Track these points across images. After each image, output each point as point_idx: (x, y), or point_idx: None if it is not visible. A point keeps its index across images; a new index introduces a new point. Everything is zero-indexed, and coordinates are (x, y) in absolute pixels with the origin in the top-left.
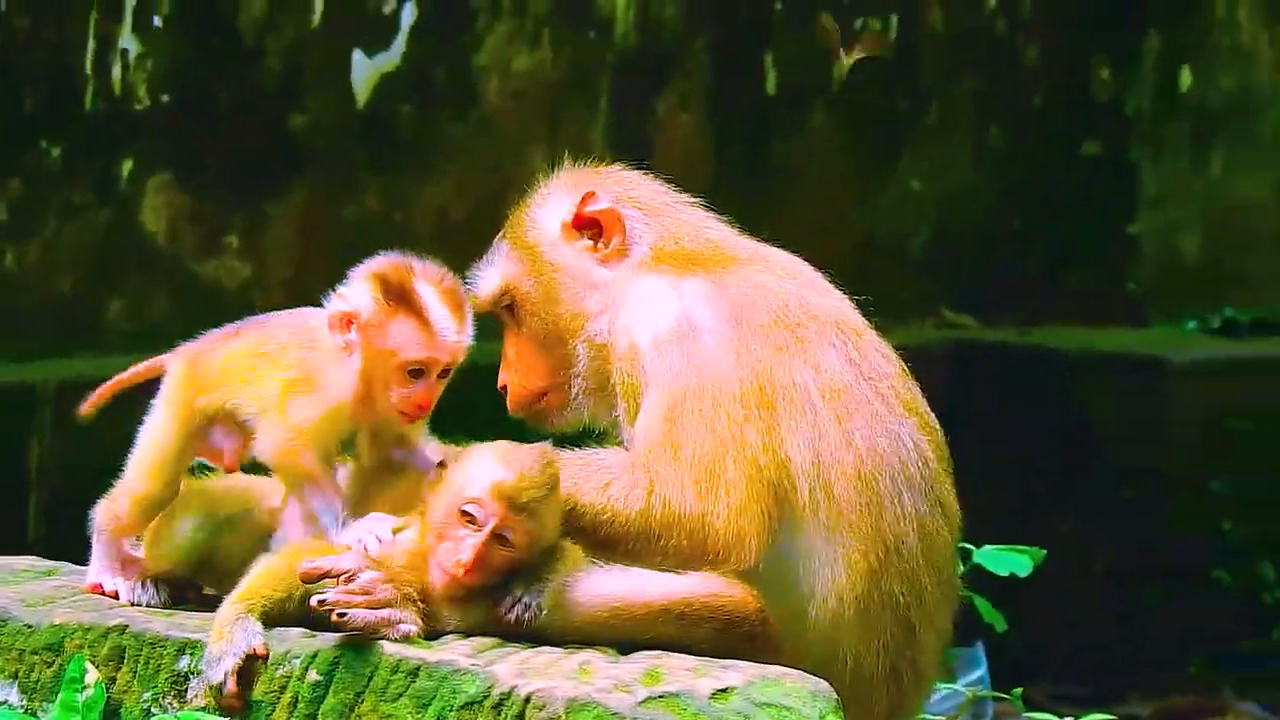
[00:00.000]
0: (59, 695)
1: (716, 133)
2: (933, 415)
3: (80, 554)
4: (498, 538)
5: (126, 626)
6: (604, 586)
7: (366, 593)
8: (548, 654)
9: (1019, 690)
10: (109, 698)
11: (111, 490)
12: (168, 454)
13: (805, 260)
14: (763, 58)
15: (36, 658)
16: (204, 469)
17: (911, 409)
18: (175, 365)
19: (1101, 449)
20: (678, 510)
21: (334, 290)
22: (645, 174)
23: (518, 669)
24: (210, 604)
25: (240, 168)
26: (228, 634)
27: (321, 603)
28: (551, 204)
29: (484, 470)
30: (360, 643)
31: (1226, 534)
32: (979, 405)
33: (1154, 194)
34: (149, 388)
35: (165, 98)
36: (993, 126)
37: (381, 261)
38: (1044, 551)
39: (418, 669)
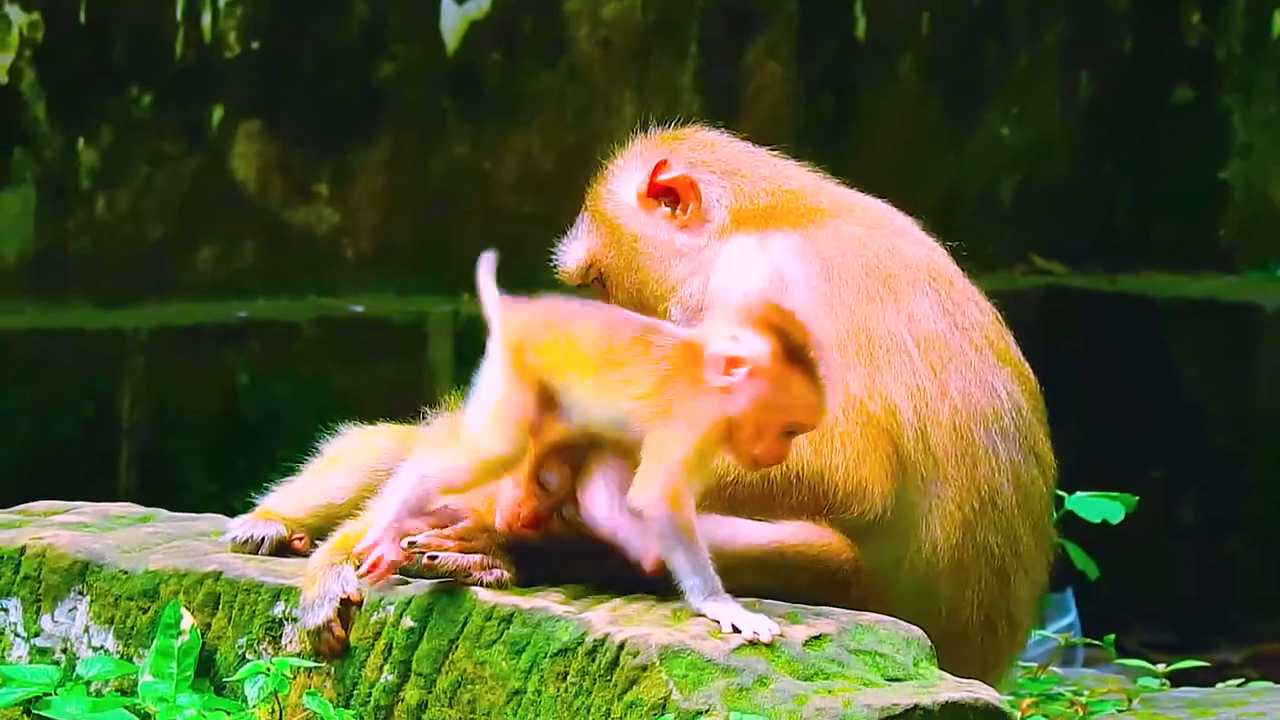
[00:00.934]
0: (154, 641)
1: (804, 81)
2: (1026, 364)
3: (171, 500)
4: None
5: (221, 573)
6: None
7: (459, 538)
8: (641, 600)
9: (1112, 636)
10: (204, 644)
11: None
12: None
13: (896, 208)
14: (852, 5)
15: (132, 604)
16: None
17: (1005, 358)
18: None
19: (1193, 395)
20: (795, 468)
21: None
22: (722, 132)
23: (611, 616)
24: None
25: (328, 116)
26: (322, 580)
27: (412, 544)
28: (627, 175)
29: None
30: (451, 588)
31: None
32: (1069, 353)
33: (1245, 140)
34: (225, 338)
35: (255, 45)
36: (1082, 73)
37: (776, 313)
38: (1136, 498)
39: (511, 616)
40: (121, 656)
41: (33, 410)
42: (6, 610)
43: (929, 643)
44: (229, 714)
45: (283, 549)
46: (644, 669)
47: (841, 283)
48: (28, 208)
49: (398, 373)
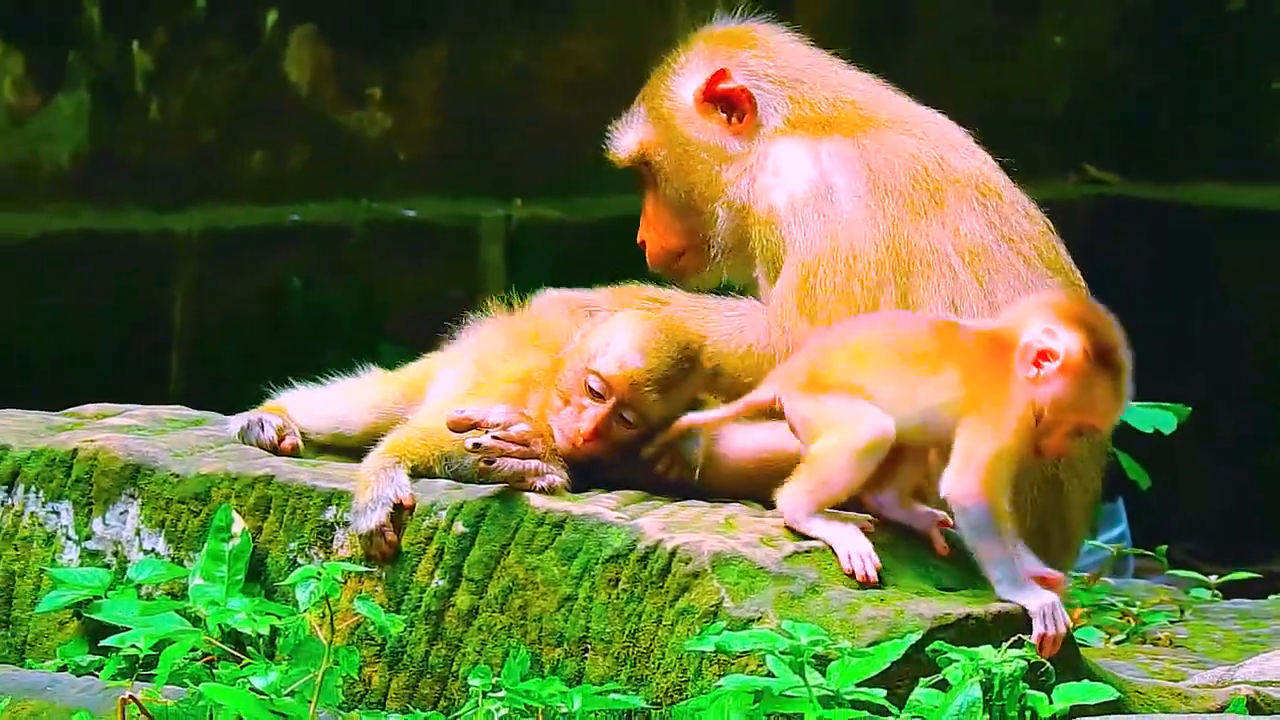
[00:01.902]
0: (205, 544)
1: None
2: (1078, 272)
3: (222, 404)
4: (619, 415)
5: (273, 477)
6: (750, 439)
7: (520, 442)
8: (694, 508)
9: (1163, 547)
10: (255, 547)
11: None
12: None
13: (947, 117)
14: None
15: (183, 507)
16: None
17: (1056, 268)
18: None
19: (1241, 306)
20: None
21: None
22: (787, 32)
23: (663, 522)
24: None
25: (383, 19)
26: (375, 484)
27: (477, 445)
28: (687, 75)
29: (618, 346)
30: (508, 493)
31: None
32: (1121, 262)
33: None
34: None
35: None
36: None
37: (1091, 311)
38: (1189, 409)
39: (563, 521)
40: (173, 560)
41: (85, 313)
42: (58, 513)
43: None
44: (280, 618)
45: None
46: (696, 576)
47: (887, 194)
48: (82, 111)
49: (449, 277)
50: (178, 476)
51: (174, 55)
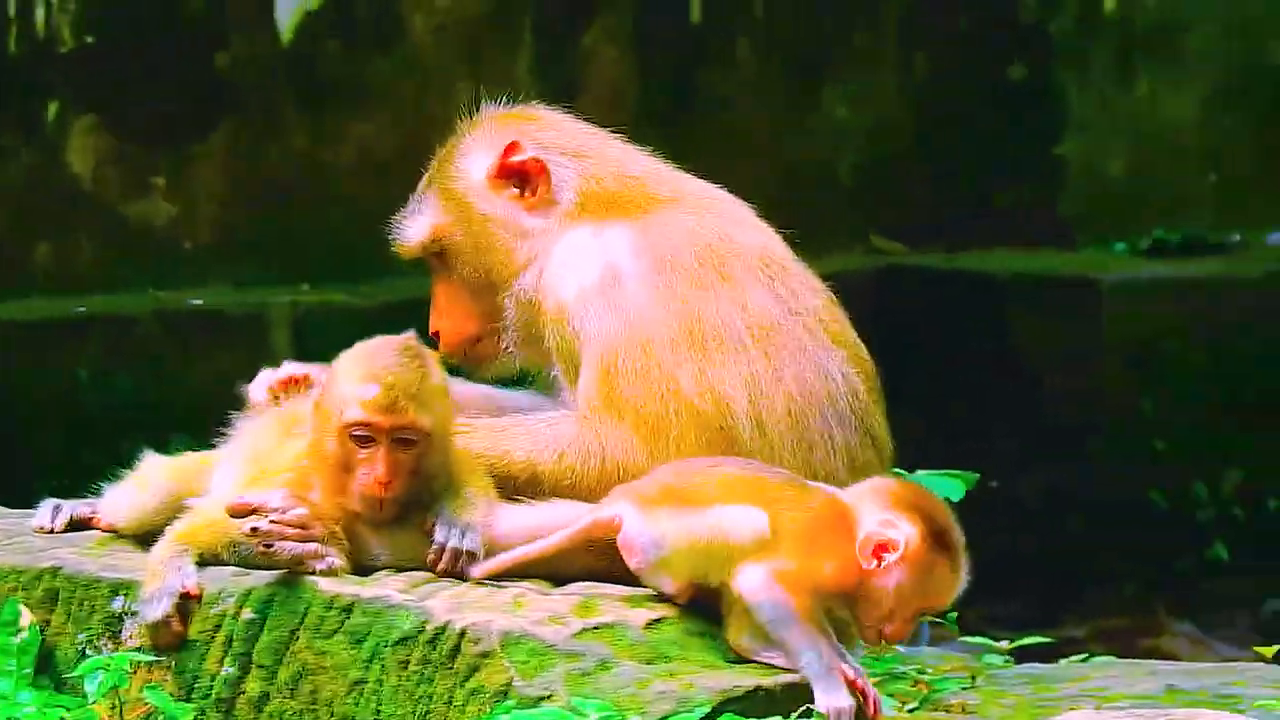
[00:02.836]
0: None
1: (641, 65)
2: (862, 345)
3: (13, 496)
4: (399, 443)
5: (60, 569)
6: (526, 520)
7: (298, 525)
8: (482, 588)
9: (954, 614)
10: (44, 640)
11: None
12: None
13: (733, 191)
14: None
15: None
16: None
17: (840, 340)
18: None
19: (1033, 372)
20: (633, 473)
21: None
22: (568, 113)
23: (452, 603)
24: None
25: (165, 108)
26: (162, 574)
27: (254, 530)
28: (476, 153)
29: (347, 389)
30: (294, 578)
31: (1159, 454)
32: (910, 330)
33: (1080, 116)
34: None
35: (89, 39)
36: (918, 52)
37: (924, 498)
38: (977, 475)
39: (352, 605)
40: None
41: None
42: None
43: None
44: (69, 710)
45: (83, 525)
46: (485, 655)
47: (674, 274)
48: None
49: (238, 364)
50: None
51: None
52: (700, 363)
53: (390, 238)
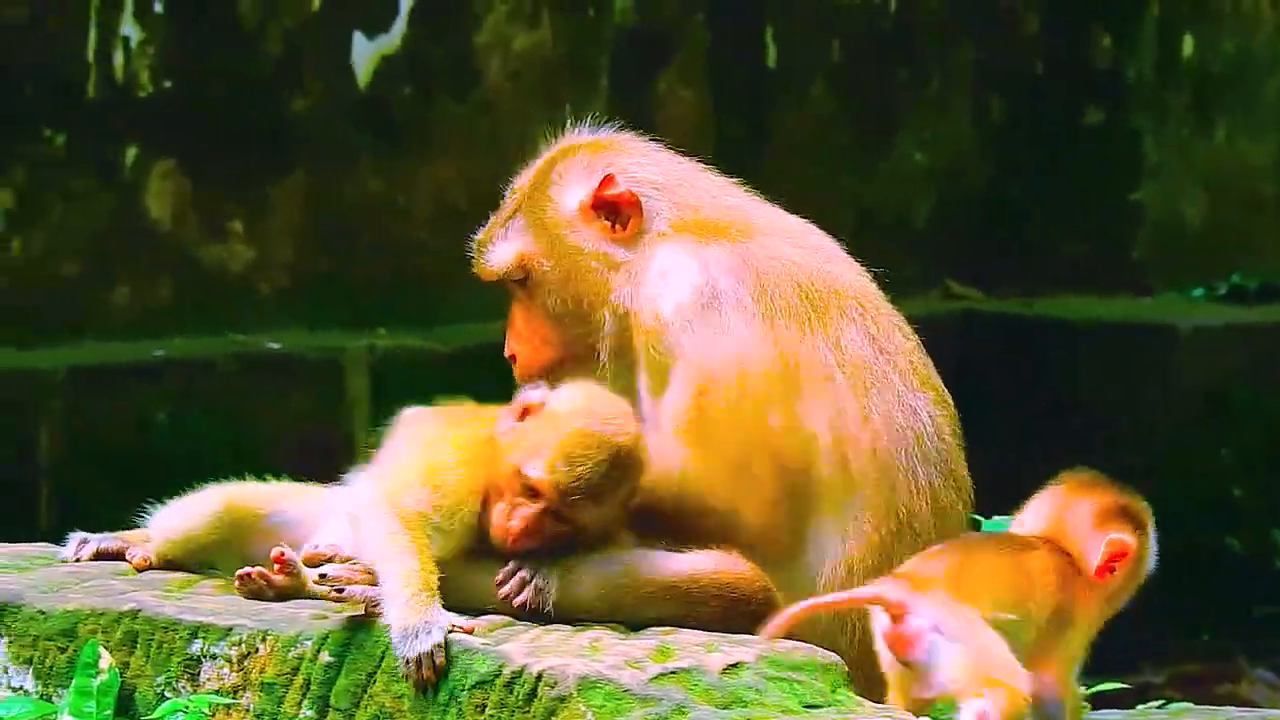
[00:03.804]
0: (73, 681)
1: (716, 108)
2: (945, 389)
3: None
4: (554, 514)
5: (139, 611)
6: (608, 564)
7: (368, 571)
8: (558, 631)
9: None
10: (123, 682)
11: None
12: None
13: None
14: (762, 31)
15: (50, 644)
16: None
17: (927, 383)
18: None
19: (1109, 417)
20: (709, 501)
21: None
22: (659, 145)
23: (528, 647)
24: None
25: (242, 152)
26: (423, 608)
27: (323, 576)
28: (569, 184)
29: (549, 452)
30: (362, 621)
31: (1237, 501)
32: (985, 376)
33: (1156, 161)
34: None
35: (168, 84)
36: (993, 96)
37: (1120, 496)
38: None
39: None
40: (41, 696)
41: None
42: None
43: (845, 668)
44: None
45: (111, 557)
46: (562, 700)
47: (774, 305)
48: None
49: (314, 408)
50: (44, 613)
51: (35, 192)
52: (791, 399)
53: (470, 256)
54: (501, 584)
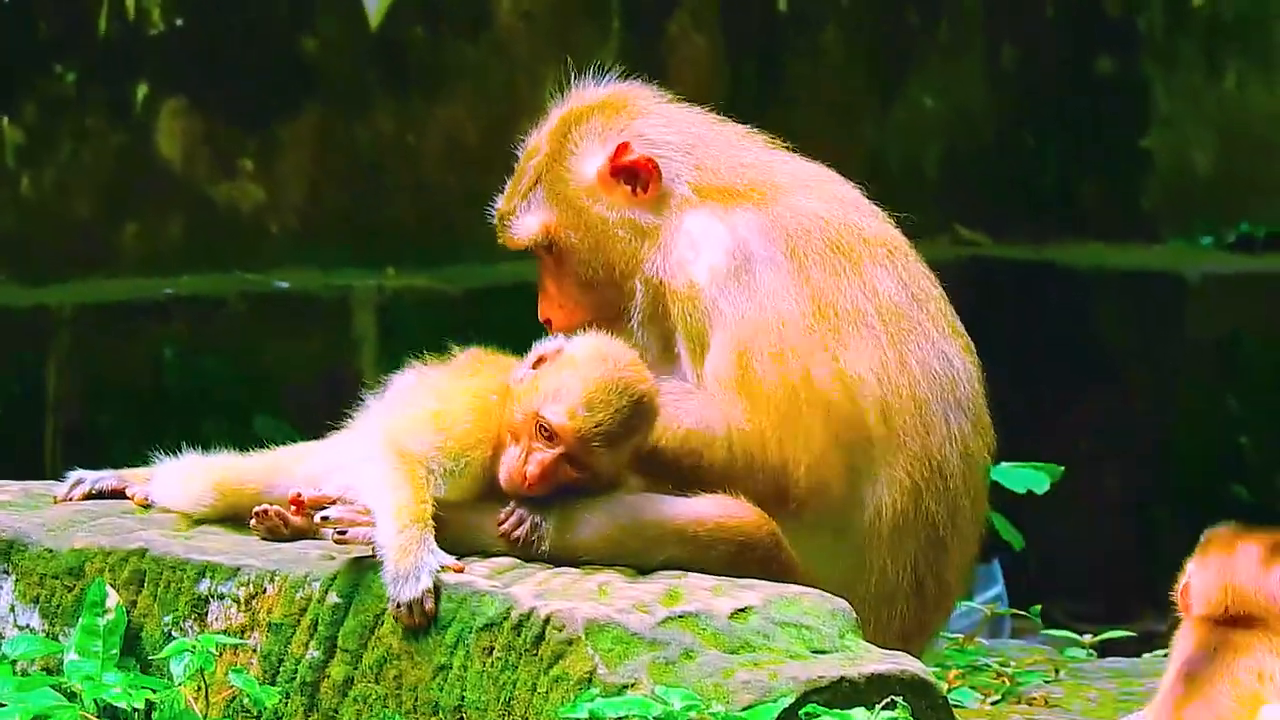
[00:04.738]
0: (80, 619)
1: (728, 53)
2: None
3: None
4: (570, 459)
5: (147, 550)
6: (614, 507)
7: (369, 512)
8: (566, 575)
9: (1038, 607)
10: (130, 621)
11: None
12: None
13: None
14: None
15: (57, 582)
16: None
17: (955, 330)
18: None
19: (1116, 366)
20: (759, 459)
21: None
22: (675, 101)
23: (536, 590)
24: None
25: (254, 91)
26: (414, 550)
27: (325, 519)
28: (585, 153)
29: (569, 396)
30: (369, 562)
31: (1243, 449)
32: (993, 322)
33: (1166, 109)
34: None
35: (179, 22)
36: (1004, 44)
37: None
38: (1061, 468)
39: (436, 590)
40: (47, 635)
41: None
42: None
43: (854, 614)
44: (155, 691)
45: (115, 495)
46: (569, 643)
47: (806, 259)
48: None
49: (322, 347)
50: (51, 551)
51: (45, 129)
52: (833, 349)
53: (490, 224)
54: (502, 523)
